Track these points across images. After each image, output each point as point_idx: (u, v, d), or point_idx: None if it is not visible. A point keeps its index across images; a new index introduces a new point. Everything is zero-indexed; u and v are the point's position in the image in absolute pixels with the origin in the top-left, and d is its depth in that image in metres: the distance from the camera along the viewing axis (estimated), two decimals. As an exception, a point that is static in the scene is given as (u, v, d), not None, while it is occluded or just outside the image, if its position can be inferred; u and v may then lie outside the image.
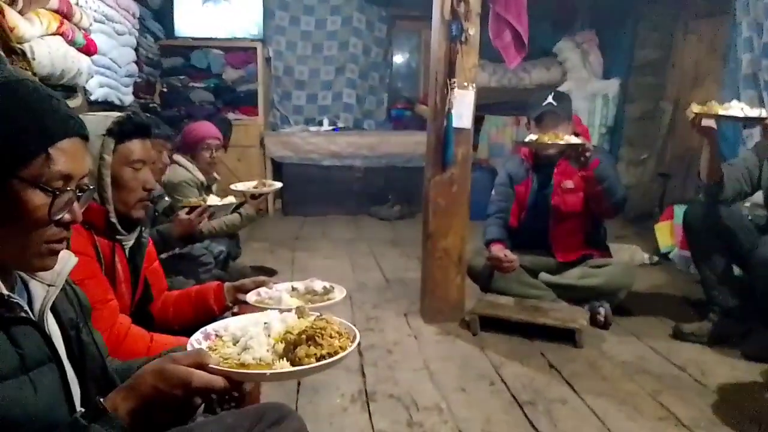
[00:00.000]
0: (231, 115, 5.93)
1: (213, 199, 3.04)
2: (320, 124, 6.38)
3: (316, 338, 1.02)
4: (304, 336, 1.02)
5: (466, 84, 2.75)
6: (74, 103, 3.47)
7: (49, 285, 0.95)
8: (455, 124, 2.76)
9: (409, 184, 5.94)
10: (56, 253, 0.92)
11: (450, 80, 2.73)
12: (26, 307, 0.90)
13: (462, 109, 2.76)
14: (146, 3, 5.28)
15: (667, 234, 4.21)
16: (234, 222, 3.32)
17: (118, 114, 1.60)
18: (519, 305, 2.91)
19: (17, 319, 0.87)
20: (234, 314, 1.61)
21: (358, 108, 6.58)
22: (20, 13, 2.64)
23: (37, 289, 0.94)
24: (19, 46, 2.65)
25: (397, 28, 6.87)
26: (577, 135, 3.10)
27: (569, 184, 3.05)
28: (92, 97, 3.80)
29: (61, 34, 3.08)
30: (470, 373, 2.46)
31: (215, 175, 3.53)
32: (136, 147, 1.58)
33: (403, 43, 7.13)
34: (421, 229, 3.12)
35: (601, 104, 5.82)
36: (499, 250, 3.03)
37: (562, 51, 6.12)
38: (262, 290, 1.65)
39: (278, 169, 6.09)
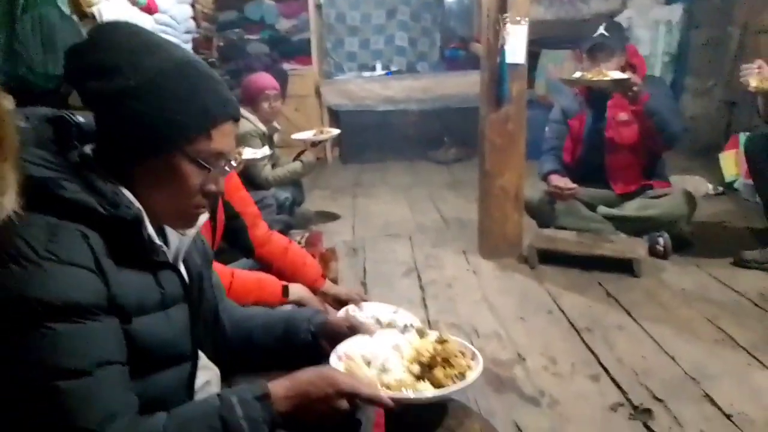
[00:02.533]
0: (287, 66, 6.03)
1: (247, 152, 3.07)
2: (373, 69, 6.40)
3: (450, 360, 1.12)
4: (439, 358, 1.12)
5: (518, 18, 2.73)
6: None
7: (182, 234, 1.08)
8: (509, 59, 2.76)
9: (465, 126, 5.93)
10: (198, 217, 1.06)
11: (502, 15, 2.72)
12: (168, 254, 1.03)
13: (515, 44, 2.75)
14: (199, -42, 5.38)
15: (732, 163, 4.10)
16: (296, 169, 3.47)
17: None
18: (577, 238, 2.95)
19: (162, 263, 1.01)
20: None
21: (411, 51, 6.55)
22: (88, -22, 2.79)
23: (173, 237, 1.07)
24: (89, 9, 2.81)
25: (449, -34, 6.72)
26: (632, 66, 3.05)
27: (624, 116, 3.01)
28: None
29: (125, -4, 3.23)
30: (528, 303, 2.55)
31: (276, 124, 3.66)
32: None
33: (454, -19, 6.98)
34: (478, 171, 3.18)
35: (663, 31, 5.58)
36: (558, 179, 3.07)
37: (621, -23, 5.85)
38: (350, 308, 1.81)
39: (335, 117, 6.19)
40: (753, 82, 2.39)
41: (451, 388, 1.06)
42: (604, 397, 1.86)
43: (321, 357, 1.16)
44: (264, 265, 2.11)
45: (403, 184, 5.13)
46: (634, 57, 3.11)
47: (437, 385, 1.08)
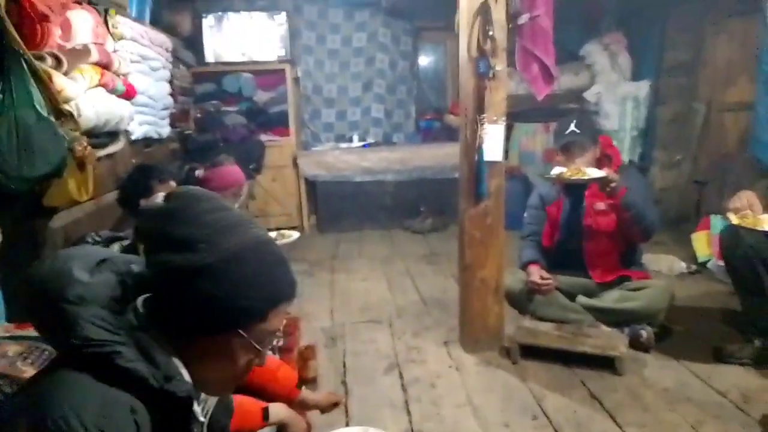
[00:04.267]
0: (264, 137, 6.07)
1: None
2: (350, 140, 6.48)
3: None
4: None
5: (495, 118, 2.79)
6: (117, 147, 3.62)
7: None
8: (487, 158, 2.80)
9: (440, 196, 6.01)
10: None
11: (480, 116, 2.77)
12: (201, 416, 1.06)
13: (493, 142, 2.80)
14: (177, 33, 5.44)
15: (704, 244, 4.18)
16: None
17: None
18: (558, 331, 2.95)
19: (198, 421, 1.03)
20: None
21: (387, 122, 6.65)
22: (64, 73, 2.77)
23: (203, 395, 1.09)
24: (66, 107, 2.79)
25: (423, 40, 6.91)
26: (608, 156, 3.12)
27: (601, 205, 3.07)
28: (133, 137, 3.95)
29: (103, 86, 3.21)
30: (513, 406, 2.52)
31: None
32: None
33: (429, 54, 7.16)
34: (454, 242, 3.17)
35: (631, 107, 5.77)
36: (534, 273, 3.09)
37: (590, 54, 6.07)
38: None
39: (312, 187, 6.20)
40: (734, 220, 2.50)
41: None
42: None
43: None
44: None
45: (381, 256, 5.12)
46: (608, 148, 3.19)
47: None
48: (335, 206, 6.20)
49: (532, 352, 2.91)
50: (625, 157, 5.49)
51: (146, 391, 0.90)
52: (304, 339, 3.19)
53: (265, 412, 1.84)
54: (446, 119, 6.65)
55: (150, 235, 0.98)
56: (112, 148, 3.55)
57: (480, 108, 2.77)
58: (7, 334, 1.61)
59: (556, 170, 2.91)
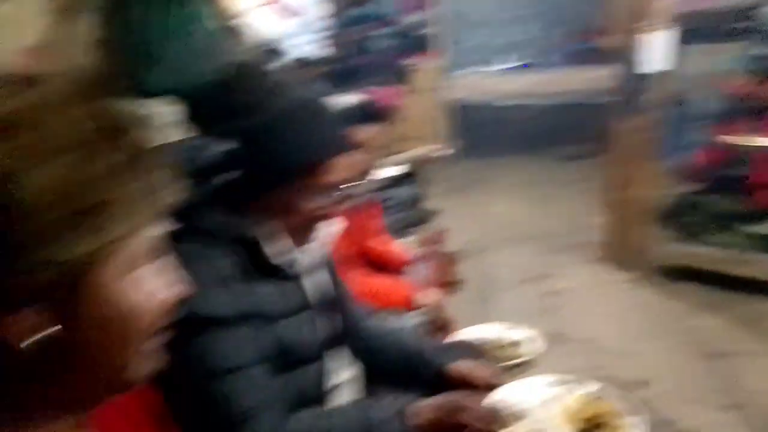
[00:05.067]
0: (408, 61, 6.12)
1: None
2: (498, 63, 6.33)
3: (611, 423, 1.12)
4: (595, 422, 1.13)
5: (657, 25, 2.62)
6: (275, 66, 3.88)
7: (308, 250, 1.20)
8: (644, 67, 2.66)
9: (591, 122, 5.73)
10: (309, 236, 1.17)
11: (639, 21, 2.61)
12: (295, 267, 1.16)
13: (653, 51, 2.64)
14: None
15: None
16: None
17: None
18: (715, 254, 2.79)
19: (288, 276, 1.14)
20: None
21: (538, 43, 6.41)
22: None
23: (301, 252, 1.18)
24: (232, 23, 3.03)
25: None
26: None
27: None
28: (290, 57, 4.19)
29: (266, 4, 3.44)
30: (657, 321, 2.48)
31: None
32: None
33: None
34: (605, 168, 3.08)
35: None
36: None
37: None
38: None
39: (457, 112, 6.20)
40: None
41: None
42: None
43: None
44: None
45: (525, 182, 5.07)
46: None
47: None
48: (480, 132, 6.15)
49: (684, 273, 2.79)
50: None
51: (229, 243, 1.06)
52: (445, 250, 3.31)
53: (413, 296, 1.98)
54: (601, 41, 6.24)
55: (211, 108, 1.13)
56: (270, 66, 3.80)
57: (640, 13, 2.61)
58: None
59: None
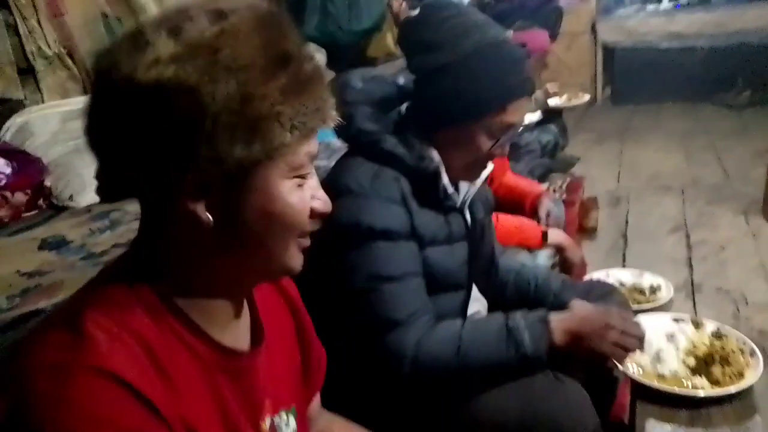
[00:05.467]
0: (562, 1, 5.85)
1: None
2: (658, 2, 5.87)
3: (729, 358, 1.16)
4: (716, 355, 1.16)
5: None
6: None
7: (470, 184, 1.28)
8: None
9: (763, 65, 5.18)
10: (483, 173, 1.26)
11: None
12: (458, 200, 1.26)
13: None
14: None
15: None
16: None
17: None
18: None
19: (452, 207, 1.24)
20: None
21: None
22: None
23: (463, 186, 1.28)
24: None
25: None
26: None
27: None
28: None
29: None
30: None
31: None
32: None
33: None
34: None
35: None
36: None
37: None
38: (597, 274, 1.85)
39: (610, 56, 5.89)
40: None
41: (730, 389, 1.10)
42: None
43: None
44: None
45: (681, 131, 4.74)
46: None
47: (714, 382, 1.12)
48: (634, 76, 5.79)
49: None
50: None
51: (405, 168, 1.14)
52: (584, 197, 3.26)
53: (545, 234, 2.03)
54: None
55: (405, 42, 1.21)
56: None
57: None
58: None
59: None
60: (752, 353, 1.19)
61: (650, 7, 5.86)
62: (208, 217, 0.62)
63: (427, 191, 1.17)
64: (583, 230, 2.80)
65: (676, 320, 1.32)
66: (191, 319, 0.66)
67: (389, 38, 3.03)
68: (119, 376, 0.56)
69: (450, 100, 1.13)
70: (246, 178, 0.62)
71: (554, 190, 2.70)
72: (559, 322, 1.10)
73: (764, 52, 5.16)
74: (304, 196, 0.67)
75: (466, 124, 1.15)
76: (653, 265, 2.49)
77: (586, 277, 1.93)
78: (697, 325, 1.31)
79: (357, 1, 2.92)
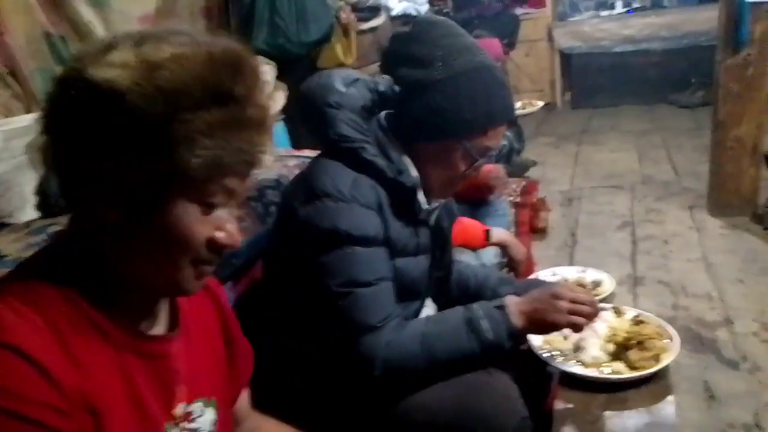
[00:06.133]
0: (519, 10, 5.98)
1: None
2: (612, 7, 6.01)
3: (645, 342, 1.20)
4: (634, 341, 1.21)
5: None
6: (379, 21, 4.00)
7: (437, 202, 1.29)
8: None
9: (714, 66, 5.33)
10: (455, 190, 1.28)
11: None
12: (430, 216, 1.28)
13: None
14: None
15: None
16: None
17: None
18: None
19: (422, 220, 1.26)
20: None
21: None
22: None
23: (434, 203, 1.29)
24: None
25: None
26: None
27: None
28: (393, 13, 4.29)
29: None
30: (753, 266, 2.38)
31: None
32: None
33: None
34: (713, 110, 2.94)
35: None
36: None
37: None
38: (541, 273, 1.86)
39: (567, 61, 6.01)
40: None
41: (644, 372, 1.16)
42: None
43: None
44: None
45: (636, 131, 4.85)
46: None
47: (632, 366, 1.17)
48: (591, 80, 5.92)
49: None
50: None
51: (383, 179, 1.16)
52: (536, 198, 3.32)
53: (487, 233, 2.07)
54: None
55: (395, 54, 1.21)
56: (374, 22, 3.93)
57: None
58: (289, 154, 2.09)
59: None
60: (670, 337, 1.24)
61: (604, 12, 6.00)
62: (117, 221, 0.65)
63: (402, 203, 1.19)
64: (535, 230, 2.86)
65: (592, 287, 1.37)
66: (106, 306, 0.68)
67: (339, 49, 3.07)
68: (19, 348, 0.58)
69: (434, 116, 1.14)
70: (155, 192, 0.65)
71: (509, 194, 2.75)
72: (514, 305, 1.13)
73: (714, 52, 5.29)
74: (205, 224, 0.68)
75: (447, 141, 1.16)
76: (599, 262, 2.58)
77: (532, 276, 1.97)
78: (618, 312, 1.36)
79: (304, 13, 2.95)
